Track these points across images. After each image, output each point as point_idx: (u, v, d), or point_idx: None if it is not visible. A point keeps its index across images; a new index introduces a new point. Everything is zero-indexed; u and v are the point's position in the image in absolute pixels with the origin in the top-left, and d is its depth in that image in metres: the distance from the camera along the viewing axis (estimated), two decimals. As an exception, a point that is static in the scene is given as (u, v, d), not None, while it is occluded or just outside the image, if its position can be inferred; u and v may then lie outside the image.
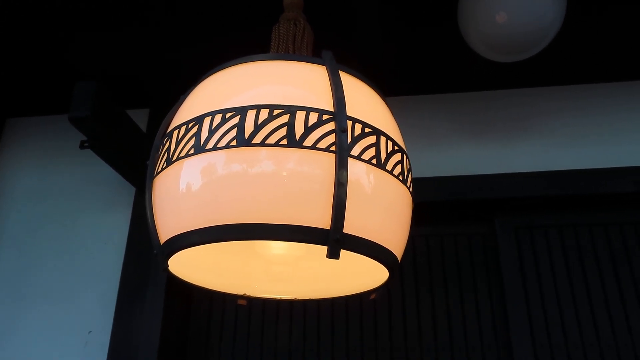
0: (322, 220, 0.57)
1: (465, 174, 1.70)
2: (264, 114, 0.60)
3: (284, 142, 0.58)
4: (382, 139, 0.65)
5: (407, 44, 1.63)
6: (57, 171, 1.87)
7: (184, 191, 0.61)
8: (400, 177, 0.66)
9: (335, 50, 0.72)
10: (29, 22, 1.54)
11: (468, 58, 1.54)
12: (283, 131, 0.59)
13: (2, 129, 1.98)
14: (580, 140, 1.73)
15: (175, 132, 0.65)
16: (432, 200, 1.66)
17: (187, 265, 0.77)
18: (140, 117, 1.81)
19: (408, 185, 0.69)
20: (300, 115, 0.60)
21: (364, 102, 0.68)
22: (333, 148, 0.59)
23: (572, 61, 1.71)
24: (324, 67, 0.67)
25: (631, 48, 1.65)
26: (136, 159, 1.58)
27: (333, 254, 0.57)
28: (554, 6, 1.29)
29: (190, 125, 0.63)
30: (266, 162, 0.58)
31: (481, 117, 1.80)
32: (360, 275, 0.81)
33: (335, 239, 0.57)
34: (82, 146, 1.44)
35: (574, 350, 1.54)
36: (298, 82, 0.66)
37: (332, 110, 0.61)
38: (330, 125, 0.60)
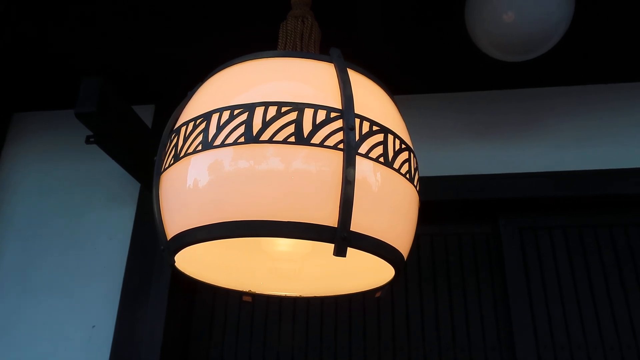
0: (329, 217, 0.57)
1: (470, 173, 1.69)
2: (272, 111, 0.60)
3: (292, 139, 0.58)
4: (390, 137, 0.64)
5: (414, 42, 1.63)
6: (62, 166, 1.87)
7: (191, 187, 0.61)
8: (408, 176, 0.66)
9: (341, 48, 0.72)
10: (34, 18, 1.55)
11: (475, 57, 1.54)
12: (291, 128, 0.59)
13: (8, 124, 1.99)
14: (585, 141, 1.72)
15: (183, 129, 0.65)
16: (436, 199, 1.66)
17: (192, 261, 0.77)
18: (145, 114, 1.82)
19: (415, 183, 0.69)
20: (308, 113, 0.60)
21: (372, 100, 0.68)
22: (341, 146, 0.59)
23: (580, 61, 1.70)
24: (332, 64, 0.67)
25: None
26: (142, 155, 1.58)
27: (340, 252, 0.57)
28: (561, 5, 1.28)
29: (198, 121, 0.63)
30: (274, 159, 0.58)
31: (487, 117, 1.80)
32: (365, 273, 0.80)
33: (342, 237, 0.57)
34: (87, 141, 1.44)
35: (577, 350, 1.54)
36: (306, 80, 0.66)
37: (340, 107, 0.61)
38: (338, 123, 0.60)
